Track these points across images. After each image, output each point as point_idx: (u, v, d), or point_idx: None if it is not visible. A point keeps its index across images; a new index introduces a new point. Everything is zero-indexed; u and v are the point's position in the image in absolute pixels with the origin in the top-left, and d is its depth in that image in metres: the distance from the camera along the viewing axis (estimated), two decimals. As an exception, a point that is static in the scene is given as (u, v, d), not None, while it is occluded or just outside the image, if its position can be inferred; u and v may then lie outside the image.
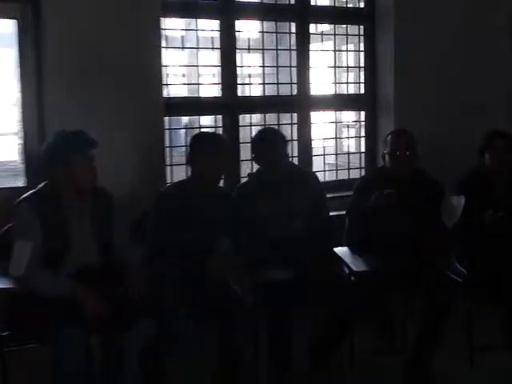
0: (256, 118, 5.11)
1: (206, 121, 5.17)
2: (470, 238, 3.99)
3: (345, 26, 5.29)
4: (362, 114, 5.37)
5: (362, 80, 5.34)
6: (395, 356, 3.95)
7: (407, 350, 3.84)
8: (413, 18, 5.07)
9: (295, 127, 5.04)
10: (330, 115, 5.43)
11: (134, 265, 3.35)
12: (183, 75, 4.66)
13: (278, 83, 5.02)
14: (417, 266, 3.71)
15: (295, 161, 4.90)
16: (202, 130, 4.82)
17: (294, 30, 5.01)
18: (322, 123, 5.31)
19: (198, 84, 4.74)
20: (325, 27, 5.50)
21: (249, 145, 4.01)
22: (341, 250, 3.91)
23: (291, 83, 5.01)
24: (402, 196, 3.75)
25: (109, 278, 3.24)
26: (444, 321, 3.69)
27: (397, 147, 3.93)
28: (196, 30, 4.68)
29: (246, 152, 4.10)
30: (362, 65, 5.33)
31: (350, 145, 5.51)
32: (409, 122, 4.43)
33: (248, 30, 4.92)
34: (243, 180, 4.35)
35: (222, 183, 4.43)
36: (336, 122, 5.43)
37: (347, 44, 5.36)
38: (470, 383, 3.75)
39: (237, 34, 4.75)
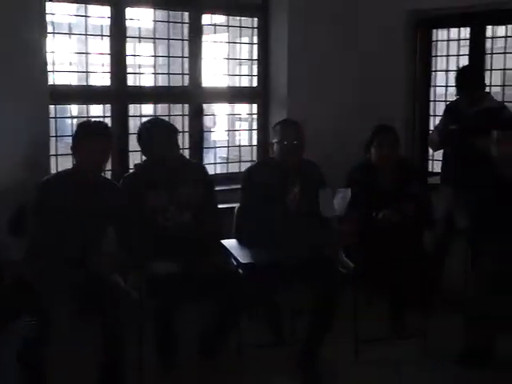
0: (147, 108, 5.01)
1: (96, 110, 5.02)
2: (357, 231, 4.06)
3: (239, 18, 5.27)
4: (255, 107, 5.38)
5: (255, 73, 5.35)
6: (282, 348, 3.99)
7: (294, 342, 3.88)
8: (307, 12, 5.12)
9: (187, 119, 4.98)
10: (223, 107, 5.40)
11: (13, 260, 3.21)
12: (70, 63, 4.49)
13: (169, 73, 4.97)
14: (304, 257, 3.73)
15: (186, 153, 4.84)
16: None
17: (187, 20, 4.94)
18: (214, 115, 5.28)
19: (87, 72, 4.60)
20: (219, 19, 5.46)
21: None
22: (228, 242, 3.90)
23: (183, 74, 4.95)
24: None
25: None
26: (331, 312, 3.74)
27: (285, 137, 3.94)
28: (85, 17, 4.53)
29: (135, 143, 4.01)
30: (256, 58, 5.33)
31: (242, 138, 5.49)
32: (301, 116, 4.44)
33: (140, 18, 4.79)
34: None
35: (109, 175, 4.35)
36: (229, 115, 5.41)
37: (241, 36, 5.35)
38: (355, 374, 3.81)
39: (128, 22, 4.64)
